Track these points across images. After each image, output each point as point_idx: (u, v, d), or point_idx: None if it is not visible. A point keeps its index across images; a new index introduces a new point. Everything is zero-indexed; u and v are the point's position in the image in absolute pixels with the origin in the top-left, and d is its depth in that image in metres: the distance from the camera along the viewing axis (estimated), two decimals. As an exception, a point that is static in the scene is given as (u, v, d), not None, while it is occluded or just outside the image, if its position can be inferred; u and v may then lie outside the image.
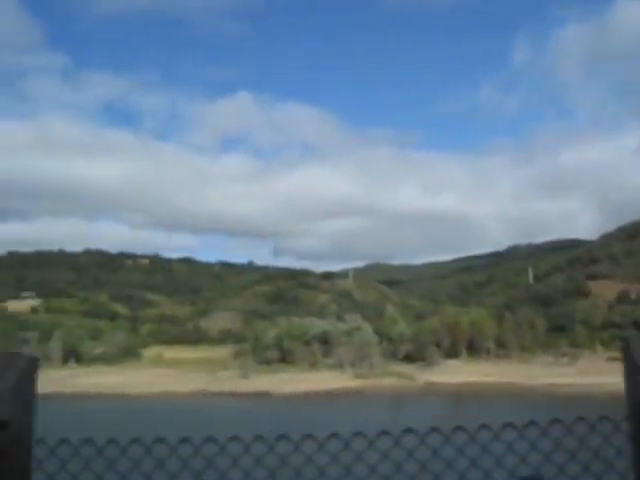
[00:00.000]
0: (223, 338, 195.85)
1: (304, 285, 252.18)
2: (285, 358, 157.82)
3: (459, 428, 4.84)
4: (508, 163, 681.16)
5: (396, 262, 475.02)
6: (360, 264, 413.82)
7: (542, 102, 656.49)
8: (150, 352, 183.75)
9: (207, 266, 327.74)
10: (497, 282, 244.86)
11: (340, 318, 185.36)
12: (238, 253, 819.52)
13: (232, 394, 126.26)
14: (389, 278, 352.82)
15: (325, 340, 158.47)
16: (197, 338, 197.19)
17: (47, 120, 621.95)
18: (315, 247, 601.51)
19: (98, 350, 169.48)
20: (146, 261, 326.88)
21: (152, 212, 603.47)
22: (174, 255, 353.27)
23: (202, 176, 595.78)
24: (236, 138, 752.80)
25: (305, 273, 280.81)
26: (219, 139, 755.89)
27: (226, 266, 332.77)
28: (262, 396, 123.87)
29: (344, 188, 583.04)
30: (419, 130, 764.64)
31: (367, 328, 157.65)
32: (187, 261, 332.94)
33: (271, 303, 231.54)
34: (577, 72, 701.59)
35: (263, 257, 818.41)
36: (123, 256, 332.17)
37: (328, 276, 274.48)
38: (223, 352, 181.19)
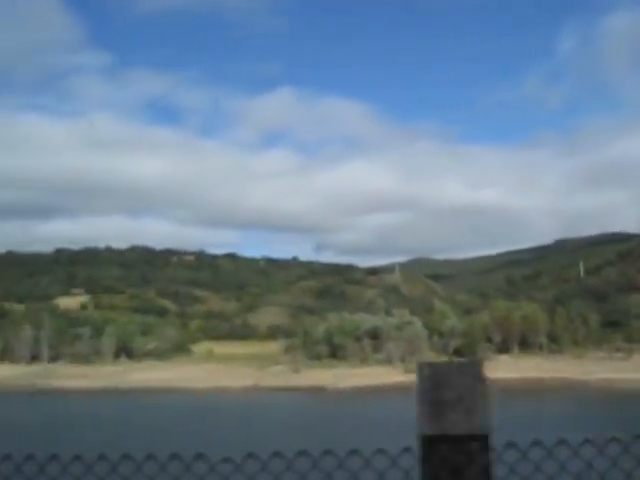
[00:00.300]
0: (272, 333, 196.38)
1: (350, 280, 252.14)
2: (335, 353, 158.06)
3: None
4: (553, 156, 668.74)
5: (440, 257, 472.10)
6: (403, 259, 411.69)
7: (588, 93, 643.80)
8: (200, 348, 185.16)
9: (252, 262, 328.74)
10: (546, 276, 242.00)
11: (388, 313, 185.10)
12: (281, 249, 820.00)
13: (286, 389, 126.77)
14: (434, 273, 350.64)
15: (375, 335, 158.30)
16: (246, 334, 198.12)
17: (92, 118, 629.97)
18: (357, 242, 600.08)
19: (149, 346, 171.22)
20: (191, 257, 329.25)
21: (195, 209, 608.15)
22: (218, 251, 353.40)
23: (245, 172, 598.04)
24: (279, 134, 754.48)
25: (351, 268, 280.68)
26: (262, 135, 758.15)
27: (271, 262, 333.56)
28: (317, 391, 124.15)
29: (387, 182, 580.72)
30: (463, 123, 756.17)
31: (417, 323, 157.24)
32: (232, 257, 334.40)
33: (318, 298, 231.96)
34: (625, 62, 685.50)
35: (305, 253, 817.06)
36: (168, 253, 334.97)
37: (374, 271, 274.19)
38: (272, 347, 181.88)
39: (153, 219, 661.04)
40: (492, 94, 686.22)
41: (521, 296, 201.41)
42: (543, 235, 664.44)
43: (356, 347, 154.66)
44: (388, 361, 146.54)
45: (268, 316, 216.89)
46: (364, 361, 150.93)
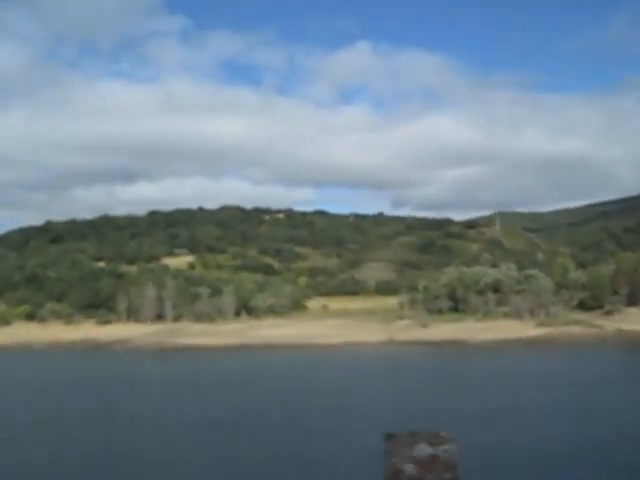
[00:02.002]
0: (380, 289, 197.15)
1: (450, 234, 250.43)
2: (457, 307, 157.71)
3: None
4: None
5: (524, 210, 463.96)
6: (485, 213, 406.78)
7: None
8: (312, 304, 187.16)
9: (341, 218, 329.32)
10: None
11: (495, 266, 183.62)
12: (358, 205, 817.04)
13: (422, 342, 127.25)
14: (522, 226, 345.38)
15: (496, 288, 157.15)
16: (355, 289, 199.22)
17: (170, 82, 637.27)
18: (436, 197, 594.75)
19: (267, 303, 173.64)
20: (281, 215, 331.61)
21: (274, 167, 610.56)
22: (300, 208, 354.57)
23: (323, 129, 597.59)
24: (356, 89, 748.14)
25: (447, 222, 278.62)
26: (339, 91, 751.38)
27: (359, 218, 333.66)
28: (455, 344, 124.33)
29: (466, 135, 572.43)
30: (543, 71, 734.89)
31: (542, 276, 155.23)
32: (321, 214, 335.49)
33: (421, 253, 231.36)
34: None
35: (384, 208, 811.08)
36: (259, 211, 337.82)
37: (471, 225, 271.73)
38: (383, 302, 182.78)
39: (233, 179, 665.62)
40: (574, 38, 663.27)
41: (634, 248, 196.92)
42: (628, 187, 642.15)
43: (479, 300, 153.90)
44: (515, 315, 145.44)
45: (373, 272, 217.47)
46: (488, 315, 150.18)
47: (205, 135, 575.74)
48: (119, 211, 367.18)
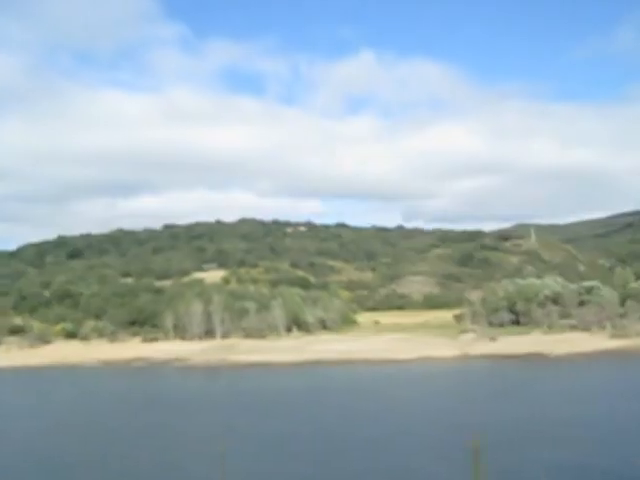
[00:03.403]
0: (428, 303, 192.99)
1: (485, 247, 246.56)
2: (518, 320, 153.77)
3: None
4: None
5: (544, 222, 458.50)
6: (500, 225, 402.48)
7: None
8: (360, 318, 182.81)
9: (361, 231, 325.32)
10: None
11: (540, 278, 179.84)
12: (367, 217, 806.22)
13: (500, 356, 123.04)
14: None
15: (555, 300, 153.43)
16: (401, 304, 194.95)
17: (171, 91, 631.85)
18: (447, 208, 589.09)
19: (316, 318, 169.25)
20: (303, 228, 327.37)
21: (280, 179, 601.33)
22: (317, 221, 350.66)
23: (329, 139, 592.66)
24: (362, 99, 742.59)
25: (479, 234, 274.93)
26: (344, 101, 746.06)
27: (380, 230, 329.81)
28: (535, 357, 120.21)
29: (475, 145, 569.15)
30: (552, 81, 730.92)
31: (604, 288, 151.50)
32: (342, 227, 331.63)
33: (460, 266, 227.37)
34: None
35: (393, 220, 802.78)
36: (278, 224, 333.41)
37: (504, 237, 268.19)
38: (433, 316, 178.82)
39: (238, 191, 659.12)
40: (582, 48, 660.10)
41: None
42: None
43: (540, 313, 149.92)
44: (582, 327, 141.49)
45: (414, 285, 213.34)
46: (551, 327, 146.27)
47: (208, 146, 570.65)
48: (123, 224, 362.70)
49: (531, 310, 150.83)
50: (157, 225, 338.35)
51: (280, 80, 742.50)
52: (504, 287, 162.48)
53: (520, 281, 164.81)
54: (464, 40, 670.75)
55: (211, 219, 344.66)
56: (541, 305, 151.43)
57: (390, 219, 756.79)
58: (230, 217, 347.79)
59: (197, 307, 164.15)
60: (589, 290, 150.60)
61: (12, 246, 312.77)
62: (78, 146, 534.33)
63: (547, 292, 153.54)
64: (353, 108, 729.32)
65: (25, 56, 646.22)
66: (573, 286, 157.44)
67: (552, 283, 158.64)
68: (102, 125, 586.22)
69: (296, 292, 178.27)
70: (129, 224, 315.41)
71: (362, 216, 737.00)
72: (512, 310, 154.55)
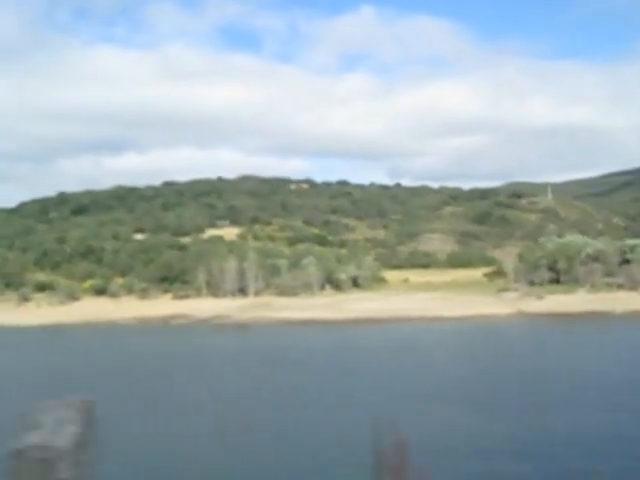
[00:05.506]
0: (453, 261, 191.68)
1: (500, 204, 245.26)
2: (558, 279, 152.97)
3: None
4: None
5: (537, 180, 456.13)
6: (489, 183, 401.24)
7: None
8: (388, 276, 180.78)
9: (365, 188, 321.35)
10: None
11: (561, 236, 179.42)
12: (355, 175, 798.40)
13: (555, 315, 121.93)
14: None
15: (597, 259, 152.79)
16: (425, 262, 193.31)
17: (166, 48, 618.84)
18: (435, 166, 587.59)
19: (349, 276, 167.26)
20: (306, 186, 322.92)
21: (269, 136, 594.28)
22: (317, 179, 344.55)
23: (323, 97, 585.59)
24: (359, 56, 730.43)
25: (492, 192, 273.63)
26: (342, 58, 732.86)
27: (381, 188, 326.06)
28: (598, 316, 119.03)
29: (470, 103, 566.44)
30: (551, 39, 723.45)
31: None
32: (344, 184, 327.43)
33: (478, 224, 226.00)
34: None
35: (381, 178, 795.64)
36: (279, 181, 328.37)
37: (517, 195, 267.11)
38: (462, 274, 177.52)
39: (225, 149, 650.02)
40: (582, 5, 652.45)
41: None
42: (636, 157, 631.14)
43: (584, 271, 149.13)
44: (630, 286, 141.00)
45: (433, 243, 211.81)
46: (594, 286, 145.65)
47: (198, 103, 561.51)
48: (107, 182, 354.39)
49: (574, 268, 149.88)
50: (143, 183, 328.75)
51: (277, 37, 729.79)
52: (542, 245, 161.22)
53: (557, 239, 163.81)
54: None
55: (212, 176, 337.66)
56: (583, 263, 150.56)
57: (376, 178, 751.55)
58: (216, 175, 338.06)
59: (232, 264, 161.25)
60: (632, 248, 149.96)
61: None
62: (67, 103, 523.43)
63: (589, 250, 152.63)
64: (350, 65, 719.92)
65: (25, 12, 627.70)
66: (614, 244, 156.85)
67: (593, 241, 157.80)
68: (94, 82, 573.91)
69: (328, 250, 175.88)
70: (116, 183, 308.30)
71: (349, 175, 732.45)
72: (552, 269, 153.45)
